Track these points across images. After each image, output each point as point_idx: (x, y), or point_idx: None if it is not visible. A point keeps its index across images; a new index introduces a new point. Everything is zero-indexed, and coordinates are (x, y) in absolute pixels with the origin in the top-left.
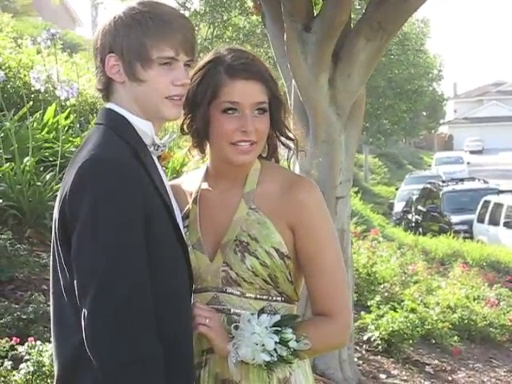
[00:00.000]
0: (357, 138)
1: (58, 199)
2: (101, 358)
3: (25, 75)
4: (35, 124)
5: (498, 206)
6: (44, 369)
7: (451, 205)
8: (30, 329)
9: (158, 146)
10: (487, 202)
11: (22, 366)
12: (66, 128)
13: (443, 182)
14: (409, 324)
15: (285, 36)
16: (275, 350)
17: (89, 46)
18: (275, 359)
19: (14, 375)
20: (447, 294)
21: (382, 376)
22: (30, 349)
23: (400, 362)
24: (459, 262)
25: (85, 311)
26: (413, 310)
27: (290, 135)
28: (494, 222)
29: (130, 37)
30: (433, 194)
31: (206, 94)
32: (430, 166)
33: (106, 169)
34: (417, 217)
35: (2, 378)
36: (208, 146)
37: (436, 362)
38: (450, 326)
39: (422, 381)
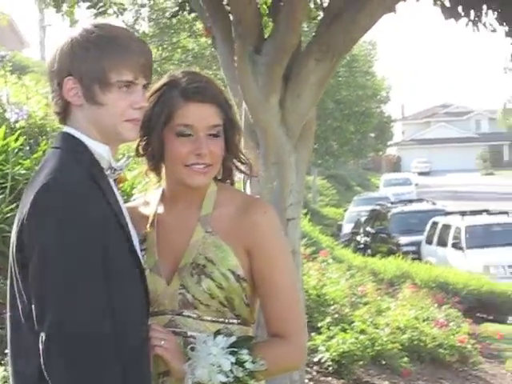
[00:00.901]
0: (307, 159)
1: (15, 223)
2: (57, 383)
3: None
4: None
5: (446, 227)
6: None
7: (400, 226)
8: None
9: (115, 170)
10: (435, 224)
11: None
12: (16, 150)
13: (391, 203)
14: (359, 345)
15: (235, 58)
16: (231, 370)
17: (37, 68)
18: (231, 380)
19: None
20: (397, 315)
21: None
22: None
23: (351, 383)
24: (408, 283)
25: (42, 335)
26: (363, 331)
27: (243, 159)
28: (442, 243)
29: (88, 60)
30: (381, 216)
31: (160, 116)
32: (378, 187)
33: (63, 194)
34: (365, 238)
35: None
36: (163, 168)
37: (386, 383)
38: (400, 347)
39: None
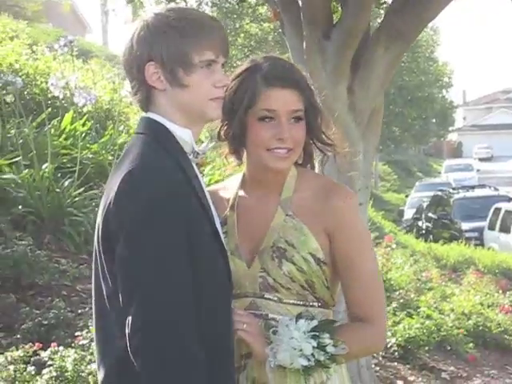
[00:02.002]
0: (375, 145)
1: (101, 207)
2: (145, 366)
3: (41, 82)
4: (53, 130)
5: (509, 213)
6: (66, 374)
7: (462, 212)
8: (52, 334)
9: (198, 154)
10: (498, 210)
11: (45, 371)
12: (84, 135)
13: (454, 189)
14: (425, 330)
15: (304, 44)
16: (313, 354)
17: (100, 53)
18: (313, 364)
19: (37, 380)
20: (461, 300)
21: (399, 382)
22: (53, 354)
23: (416, 369)
24: (471, 269)
25: (129, 319)
26: (428, 317)
27: (328, 141)
28: (504, 229)
29: (169, 43)
30: (443, 201)
31: (242, 101)
32: (439, 173)
33: (150, 179)
34: (427, 224)
35: (26, 383)
36: (245, 153)
37: (452, 368)
38: (465, 333)
39: None
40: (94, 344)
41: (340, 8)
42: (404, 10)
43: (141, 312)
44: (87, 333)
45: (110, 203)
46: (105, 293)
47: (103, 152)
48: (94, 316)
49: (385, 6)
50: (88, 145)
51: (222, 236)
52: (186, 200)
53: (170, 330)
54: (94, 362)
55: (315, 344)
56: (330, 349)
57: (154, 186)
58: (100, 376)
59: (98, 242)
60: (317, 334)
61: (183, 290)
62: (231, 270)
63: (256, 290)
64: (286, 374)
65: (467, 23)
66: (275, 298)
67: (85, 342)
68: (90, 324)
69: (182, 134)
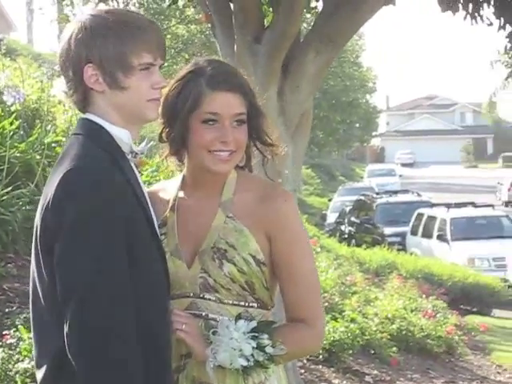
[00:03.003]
0: (304, 149)
1: (39, 208)
2: (82, 366)
3: None
4: None
5: (432, 218)
6: None
7: (385, 217)
8: None
9: (136, 153)
10: (420, 215)
11: None
12: (11, 133)
13: (377, 193)
14: (349, 334)
15: (235, 47)
16: (252, 355)
17: (25, 51)
18: (252, 364)
19: None
20: (385, 305)
21: None
22: None
23: (340, 372)
24: (394, 273)
25: (67, 320)
26: (353, 321)
27: (269, 141)
28: (427, 234)
29: (108, 46)
30: (366, 206)
31: (186, 104)
32: (362, 177)
33: (88, 179)
34: (350, 228)
35: None
36: (186, 155)
37: (375, 372)
38: (389, 337)
39: None
40: (22, 343)
41: (271, 12)
42: (334, 15)
43: (78, 312)
44: (15, 332)
45: (48, 204)
46: (41, 293)
47: (31, 151)
48: (31, 316)
49: (315, 11)
50: (16, 143)
51: (162, 237)
52: (123, 200)
53: (106, 330)
54: (22, 361)
55: (254, 345)
56: (268, 349)
57: (92, 187)
58: (39, 376)
59: (36, 243)
60: (256, 334)
61: (121, 291)
62: (171, 271)
63: (196, 291)
64: (225, 373)
65: (391, 29)
66: (215, 299)
67: (12, 340)
68: (17, 323)
69: (120, 135)
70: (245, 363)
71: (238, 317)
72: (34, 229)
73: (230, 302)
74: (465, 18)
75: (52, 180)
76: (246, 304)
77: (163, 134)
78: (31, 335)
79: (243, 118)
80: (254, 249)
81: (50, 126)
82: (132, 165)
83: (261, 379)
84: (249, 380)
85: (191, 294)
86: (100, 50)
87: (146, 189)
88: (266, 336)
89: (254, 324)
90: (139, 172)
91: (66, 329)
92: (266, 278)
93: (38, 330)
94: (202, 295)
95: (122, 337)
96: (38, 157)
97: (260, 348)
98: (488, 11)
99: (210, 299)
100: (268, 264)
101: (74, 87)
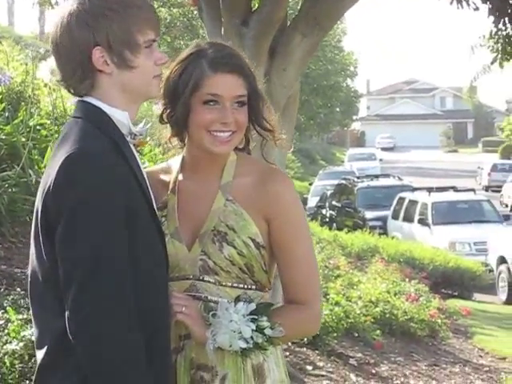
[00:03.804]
0: (291, 132)
1: (39, 192)
2: (84, 347)
3: None
4: None
5: (413, 203)
6: None
7: (366, 201)
8: None
9: (135, 135)
10: (402, 199)
11: None
12: None
13: (358, 178)
14: (334, 317)
15: (222, 30)
16: (251, 337)
17: (6, 34)
18: (251, 346)
19: None
20: (369, 288)
21: (309, 367)
22: None
23: (325, 355)
24: (376, 257)
25: (69, 300)
26: (337, 304)
27: (268, 126)
28: (408, 218)
29: (114, 27)
30: (347, 190)
31: (187, 85)
32: (342, 161)
33: (88, 162)
34: (331, 212)
35: None
36: (186, 136)
37: (359, 355)
38: (372, 320)
39: (347, 373)
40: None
41: None
42: (320, 0)
43: (79, 295)
44: (3, 313)
45: (49, 188)
46: (42, 275)
47: (16, 134)
48: (30, 298)
49: None
50: (1, 126)
51: (162, 219)
52: (124, 184)
53: (107, 312)
54: (10, 342)
55: (254, 327)
56: (267, 331)
57: (93, 170)
58: (39, 357)
59: (37, 225)
60: (255, 317)
61: (121, 275)
62: (171, 253)
63: (196, 273)
64: (224, 355)
65: (372, 12)
66: (214, 281)
67: (0, 322)
68: (5, 305)
69: (119, 116)
70: (244, 345)
71: (238, 299)
72: (35, 211)
73: (230, 284)
74: (451, 2)
75: (52, 164)
76: (245, 286)
77: (164, 115)
78: (20, 316)
79: (244, 100)
80: (253, 232)
81: (34, 108)
82: (131, 146)
83: (259, 360)
84: (247, 361)
85: (191, 277)
86: (106, 32)
87: (144, 171)
88: (265, 318)
89: (253, 306)
90: (138, 152)
91: (67, 311)
92: (265, 261)
93: (38, 312)
94: (201, 277)
95: (123, 318)
96: (23, 139)
97: (259, 330)
98: None
99: (209, 281)
100: (267, 247)
101: (78, 71)
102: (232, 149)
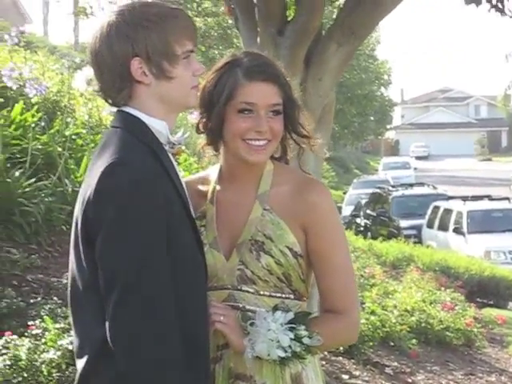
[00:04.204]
0: (326, 141)
1: (79, 201)
2: (124, 356)
3: None
4: (2, 121)
5: (448, 211)
6: (20, 363)
7: (401, 209)
8: (3, 323)
9: (173, 144)
10: (437, 208)
11: None
12: (33, 125)
13: (392, 186)
14: (370, 326)
15: (258, 39)
16: (290, 346)
17: (41, 44)
18: (289, 355)
19: None
20: (404, 297)
21: (345, 376)
22: (7, 343)
23: (361, 364)
24: (411, 266)
25: (109, 309)
26: (373, 313)
27: (305, 132)
28: (443, 227)
29: (152, 37)
30: (382, 199)
31: (222, 94)
32: (376, 170)
33: (129, 172)
34: (366, 221)
35: None
36: (222, 146)
37: (395, 364)
38: (408, 329)
39: (383, 382)
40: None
41: (294, 5)
42: (357, 8)
43: (119, 305)
44: (40, 322)
45: (89, 197)
46: (82, 284)
47: (52, 143)
48: (70, 308)
49: (338, 3)
50: (37, 136)
51: (201, 229)
52: (163, 193)
53: (148, 321)
54: (47, 351)
55: (292, 336)
56: (306, 340)
57: (133, 180)
58: (79, 366)
59: (77, 235)
60: (293, 325)
61: (160, 285)
62: (210, 263)
63: (234, 283)
64: (262, 364)
65: (406, 21)
66: (252, 290)
67: (38, 331)
68: (42, 313)
69: (158, 126)
70: (282, 354)
71: (275, 308)
72: (74, 220)
73: (267, 293)
74: (489, 10)
75: (92, 173)
76: (283, 295)
77: (200, 125)
78: (57, 326)
79: (279, 109)
80: (290, 241)
81: (70, 118)
82: (170, 155)
83: (298, 369)
84: (286, 370)
85: (229, 286)
86: (145, 43)
87: (183, 180)
88: (303, 327)
89: (291, 315)
90: (176, 161)
91: (107, 319)
92: (302, 270)
93: (78, 321)
94: (239, 287)
95: (164, 326)
96: (59, 149)
97: (297, 339)
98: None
99: (247, 291)
100: (304, 256)
101: (117, 82)
102: (267, 157)
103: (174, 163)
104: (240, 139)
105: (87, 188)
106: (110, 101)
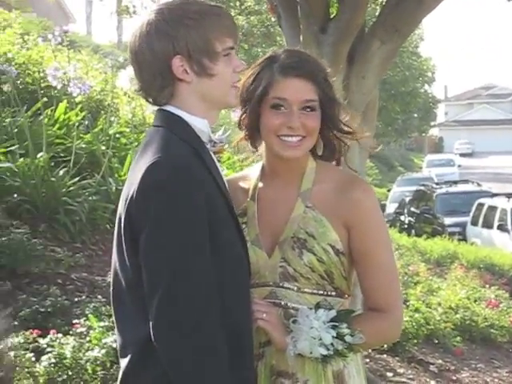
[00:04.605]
0: (369, 140)
1: (122, 199)
2: (169, 354)
3: (34, 71)
4: (47, 120)
5: (492, 208)
6: (65, 361)
7: (445, 207)
8: (48, 322)
9: (215, 142)
10: (481, 205)
11: (44, 357)
12: (77, 124)
13: (436, 184)
14: (414, 324)
15: (301, 37)
16: (332, 344)
17: (84, 43)
18: (331, 353)
19: (35, 367)
20: (449, 294)
21: (389, 374)
22: (52, 341)
23: (405, 361)
24: (456, 263)
25: (153, 308)
26: (417, 310)
27: (347, 129)
28: (487, 224)
29: (193, 35)
30: (426, 196)
31: (257, 89)
32: (420, 168)
33: (172, 171)
34: (410, 218)
35: (26, 369)
36: (263, 144)
37: (440, 361)
38: (452, 327)
39: (428, 380)
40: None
41: (336, 2)
42: (399, 6)
43: (163, 302)
44: (85, 321)
45: (132, 196)
46: (125, 282)
47: (96, 142)
48: (113, 306)
49: (380, 0)
50: (81, 135)
51: (242, 226)
52: (207, 190)
53: (193, 318)
54: (92, 349)
55: (334, 334)
56: (348, 338)
57: (177, 178)
58: (123, 364)
59: (119, 233)
60: (336, 323)
61: (207, 281)
62: (252, 260)
63: (276, 280)
64: (304, 361)
65: (450, 18)
66: (294, 288)
67: (82, 329)
68: (87, 312)
69: (199, 125)
70: (324, 352)
71: (318, 306)
72: (117, 219)
73: (309, 290)
74: None
75: (135, 172)
76: (325, 293)
77: (241, 121)
78: (101, 324)
79: (313, 105)
80: (333, 239)
81: (113, 117)
82: (211, 154)
83: (340, 367)
84: (328, 368)
85: (271, 283)
86: (186, 40)
87: (225, 178)
88: (345, 325)
89: (333, 313)
90: (218, 160)
91: (152, 317)
92: (344, 268)
93: (121, 320)
94: (281, 284)
95: (208, 324)
96: (103, 147)
97: (340, 337)
98: None
99: (289, 288)
100: (346, 253)
101: (158, 80)
102: (302, 154)
103: (216, 161)
104: (274, 135)
105: (130, 186)
106: (151, 99)
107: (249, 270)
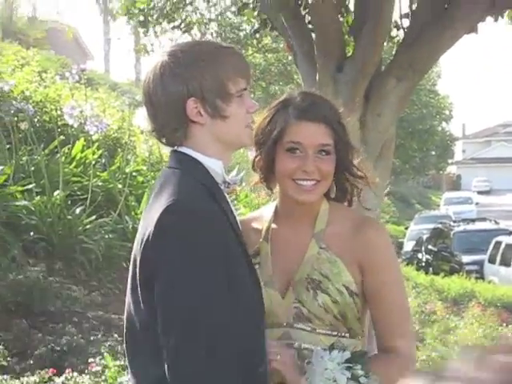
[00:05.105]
0: (386, 178)
1: (137, 241)
2: None
3: (51, 109)
4: (63, 158)
5: (510, 246)
6: None
7: (462, 245)
8: (64, 360)
9: (229, 184)
10: (498, 243)
11: None
12: (94, 163)
13: (454, 221)
14: (431, 363)
15: (317, 76)
16: None
17: (102, 81)
18: None
19: None
20: (466, 333)
21: None
22: (67, 380)
23: None
24: (473, 301)
25: (168, 349)
26: (434, 349)
27: (360, 173)
28: (505, 262)
29: (206, 77)
30: (444, 234)
31: (272, 132)
32: (438, 205)
33: (188, 215)
34: (427, 256)
35: None
36: (277, 185)
37: None
38: None
39: None
40: (108, 371)
41: (352, 41)
42: (415, 44)
43: (179, 344)
44: (100, 360)
45: (147, 239)
46: (139, 324)
47: (113, 180)
48: (126, 348)
49: (397, 39)
50: (98, 173)
51: (255, 267)
52: (223, 232)
53: (208, 363)
54: None
55: (349, 375)
56: (362, 380)
57: (193, 221)
58: None
59: (134, 276)
60: (350, 365)
61: (224, 322)
62: (265, 301)
63: (289, 320)
64: None
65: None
66: (308, 328)
67: (98, 368)
68: (102, 351)
69: (214, 166)
70: None
71: (332, 347)
72: (132, 261)
73: (323, 331)
74: None
75: (150, 214)
76: (339, 334)
77: (255, 163)
78: (117, 363)
79: (328, 149)
80: (347, 280)
81: (130, 155)
82: (225, 195)
83: None
84: None
85: (284, 324)
86: (199, 82)
87: (238, 219)
88: (359, 366)
89: (347, 354)
90: (235, 198)
91: (167, 360)
92: (358, 309)
93: (135, 361)
94: (295, 325)
95: (224, 368)
96: (119, 186)
97: (354, 378)
98: None
99: (303, 329)
100: (360, 294)
101: (172, 122)
102: (317, 198)
103: (230, 202)
104: (289, 179)
105: (145, 228)
106: (164, 140)
107: (264, 311)
